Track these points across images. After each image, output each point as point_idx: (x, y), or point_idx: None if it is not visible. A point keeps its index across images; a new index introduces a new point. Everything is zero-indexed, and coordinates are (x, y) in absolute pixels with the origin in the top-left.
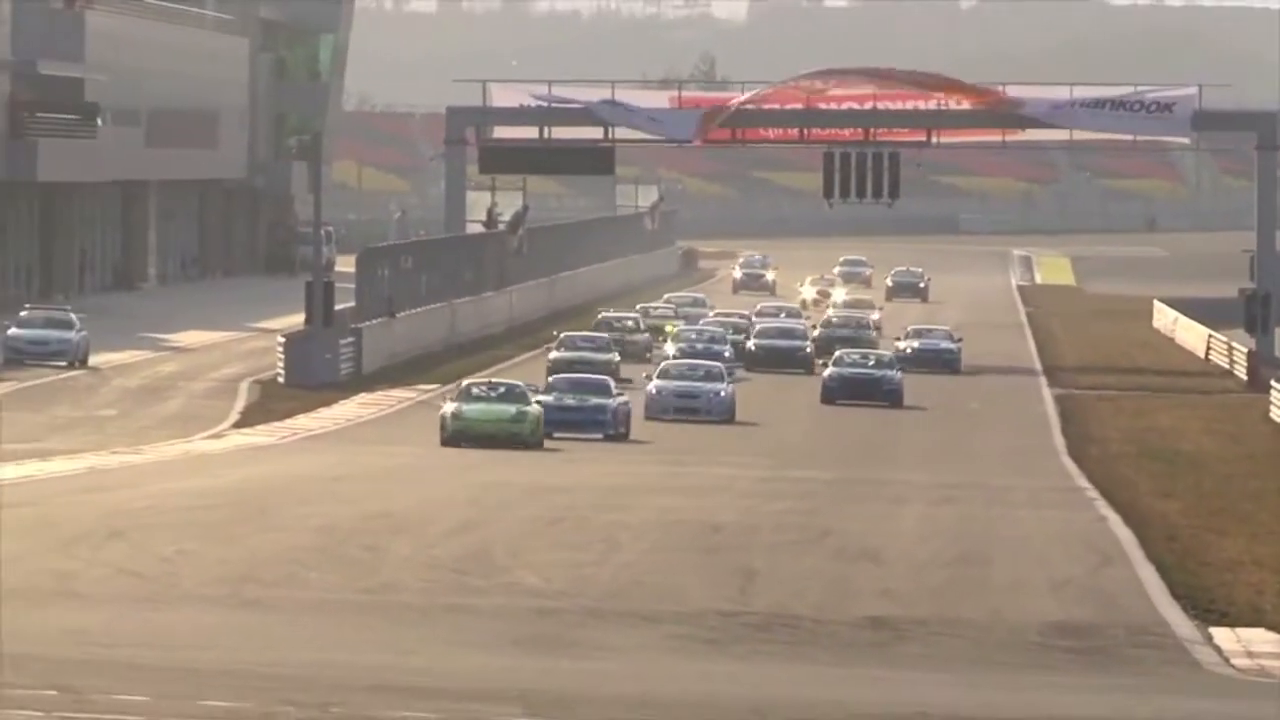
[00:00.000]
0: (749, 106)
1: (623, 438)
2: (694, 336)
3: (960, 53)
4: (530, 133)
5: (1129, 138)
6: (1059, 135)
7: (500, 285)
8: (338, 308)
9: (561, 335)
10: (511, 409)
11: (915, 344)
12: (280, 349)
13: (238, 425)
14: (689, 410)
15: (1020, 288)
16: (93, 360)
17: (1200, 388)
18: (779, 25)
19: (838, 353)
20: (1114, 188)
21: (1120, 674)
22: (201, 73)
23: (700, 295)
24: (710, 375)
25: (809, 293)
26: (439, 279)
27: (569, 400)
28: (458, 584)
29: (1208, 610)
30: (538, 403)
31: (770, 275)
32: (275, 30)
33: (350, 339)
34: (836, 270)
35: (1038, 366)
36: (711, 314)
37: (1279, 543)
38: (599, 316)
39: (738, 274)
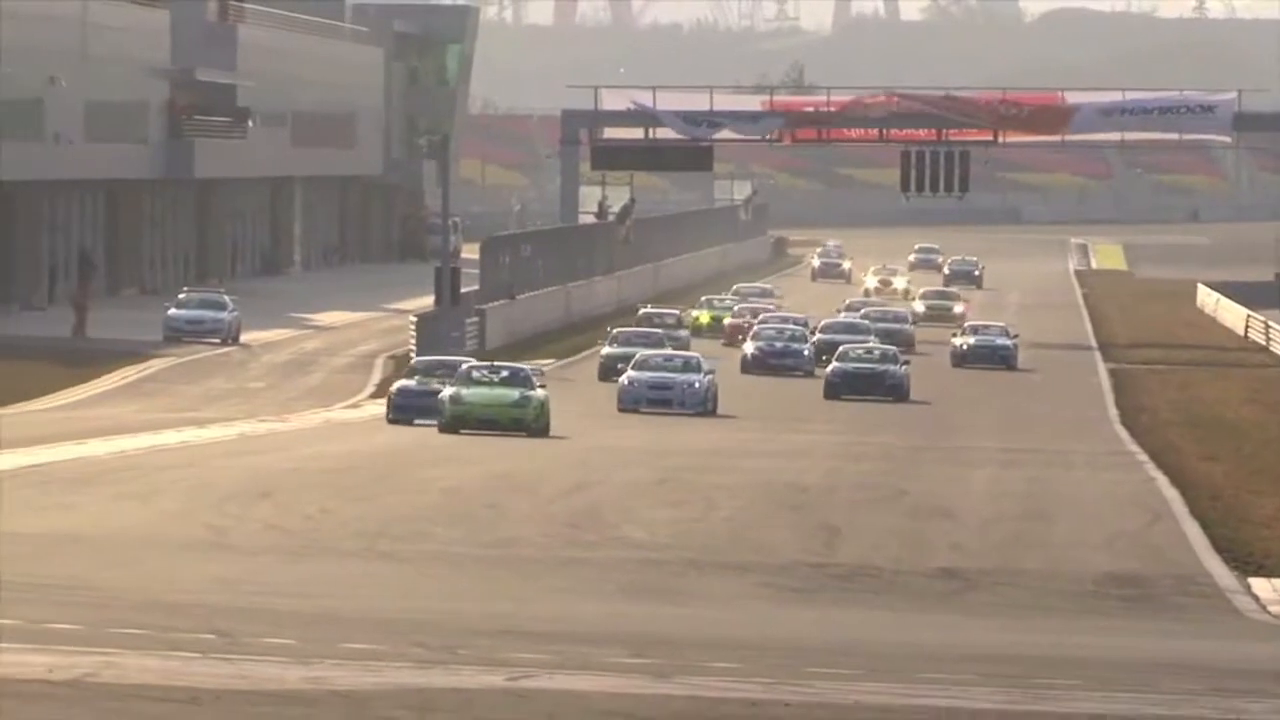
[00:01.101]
0: (836, 112)
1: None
2: (774, 334)
3: (1022, 62)
4: (636, 133)
5: (1174, 137)
6: (1112, 135)
7: (609, 270)
8: (463, 290)
9: (614, 331)
10: (514, 393)
11: (971, 340)
12: (412, 327)
13: (373, 396)
14: (662, 401)
15: (1077, 272)
16: (243, 338)
17: (1239, 362)
18: (860, 36)
19: (841, 347)
20: (1162, 182)
21: (1167, 619)
22: (341, 80)
23: (769, 286)
24: (687, 366)
25: (871, 282)
26: (554, 265)
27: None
28: (571, 538)
29: (1246, 562)
30: (542, 387)
31: (846, 264)
32: (407, 42)
33: (475, 318)
34: (911, 257)
35: (1093, 343)
36: (774, 307)
37: None
38: (640, 312)
39: (816, 263)
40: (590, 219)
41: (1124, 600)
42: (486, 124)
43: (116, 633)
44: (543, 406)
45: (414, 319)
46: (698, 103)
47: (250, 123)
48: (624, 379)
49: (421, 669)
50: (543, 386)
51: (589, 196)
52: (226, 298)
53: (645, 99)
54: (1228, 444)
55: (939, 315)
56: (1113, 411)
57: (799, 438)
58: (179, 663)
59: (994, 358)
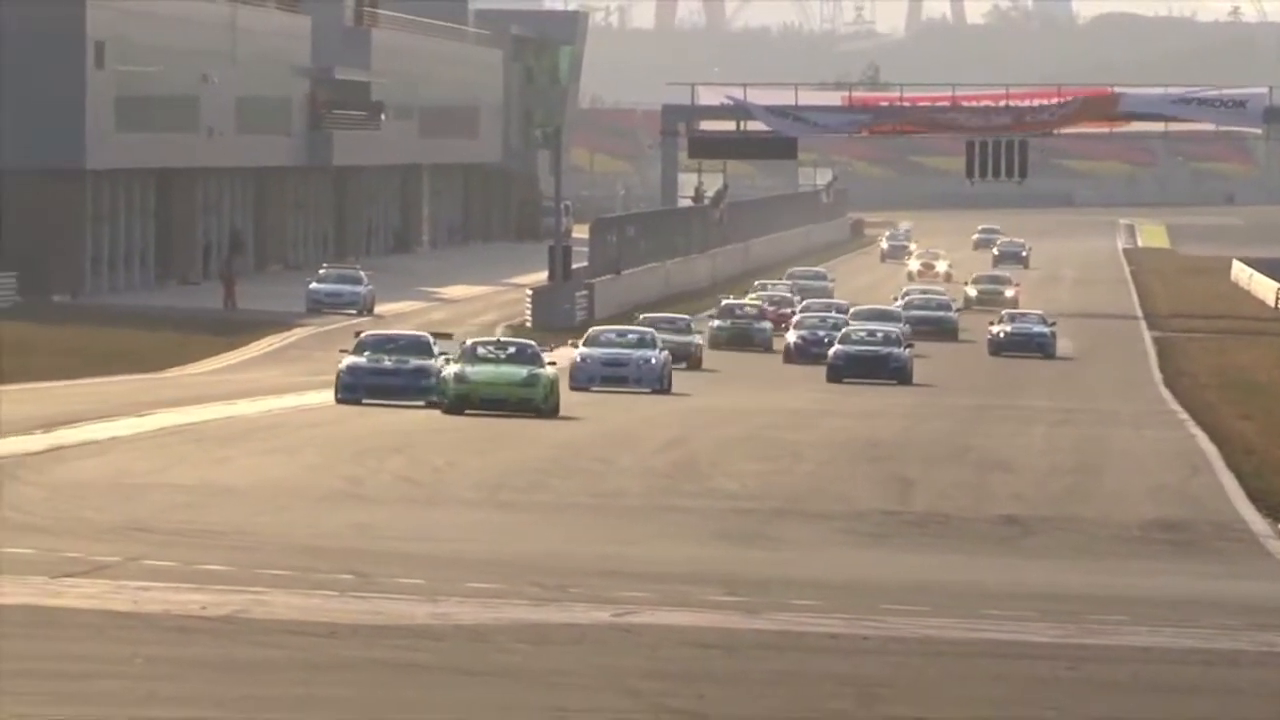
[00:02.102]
0: (908, 106)
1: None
2: (816, 322)
3: (1075, 61)
4: (729, 126)
5: (1211, 128)
6: (1155, 126)
7: (704, 249)
8: (574, 266)
9: (640, 317)
10: (522, 371)
11: (1008, 328)
12: (528, 300)
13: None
14: (617, 379)
15: (1125, 250)
16: (377, 309)
17: (1270, 330)
18: (930, 38)
19: (844, 329)
20: (1200, 169)
21: (1205, 562)
22: (465, 77)
23: (823, 270)
24: (642, 342)
25: (914, 265)
26: (655, 244)
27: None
28: (670, 489)
29: (1278, 510)
30: (552, 364)
31: (912, 246)
32: (524, 44)
33: (584, 291)
34: (975, 237)
35: (1139, 314)
36: (830, 282)
37: None
38: (640, 318)
39: (884, 245)
40: (687, 203)
41: (1167, 544)
42: (594, 117)
43: (264, 573)
44: (552, 385)
45: (530, 292)
46: (784, 98)
47: (383, 116)
48: (576, 355)
49: (537, 606)
50: (552, 363)
51: (686, 182)
52: (362, 273)
53: (737, 94)
54: (1260, 404)
55: (991, 299)
56: (1157, 375)
57: (873, 401)
58: (320, 600)
59: (1031, 345)
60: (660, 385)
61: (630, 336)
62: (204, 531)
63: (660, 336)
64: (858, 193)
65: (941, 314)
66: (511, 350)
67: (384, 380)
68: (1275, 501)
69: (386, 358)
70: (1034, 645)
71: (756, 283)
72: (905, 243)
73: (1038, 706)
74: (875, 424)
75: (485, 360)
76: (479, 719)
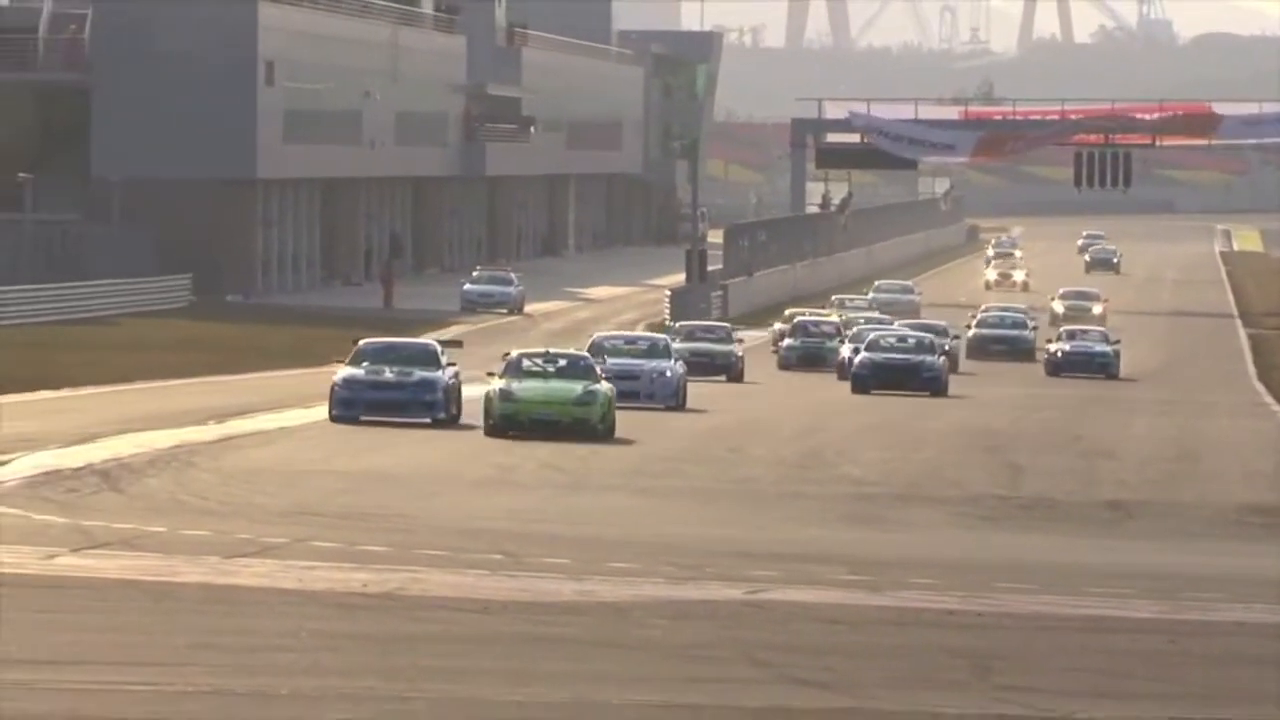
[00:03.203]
0: (1020, 120)
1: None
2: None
3: (1175, 78)
4: (853, 138)
5: None
6: (1250, 140)
7: (830, 253)
8: (710, 269)
9: (678, 325)
10: (576, 387)
11: (1066, 346)
12: (667, 299)
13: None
14: (627, 394)
15: (1221, 253)
16: (526, 308)
17: None
18: (1040, 56)
19: (871, 335)
20: None
21: None
22: (608, 93)
23: (910, 284)
24: (654, 350)
25: (991, 275)
26: (784, 247)
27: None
28: (799, 476)
29: None
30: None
31: (1018, 253)
32: (663, 62)
33: (719, 292)
34: (1080, 242)
35: (1234, 312)
36: (918, 297)
37: None
38: (675, 325)
39: (990, 252)
40: (814, 210)
41: (1261, 526)
42: (728, 130)
43: (420, 554)
44: (609, 403)
45: (668, 293)
46: (904, 113)
47: (532, 129)
48: None
49: (674, 584)
50: (605, 377)
51: (813, 191)
52: (513, 275)
53: (861, 109)
54: None
55: (1078, 316)
56: (1251, 369)
57: (989, 391)
58: (473, 579)
59: (1092, 366)
60: (675, 401)
61: (641, 344)
62: (365, 515)
63: (700, 346)
64: (973, 200)
65: (1017, 333)
66: (562, 363)
67: (385, 395)
68: None
69: (388, 369)
70: (1135, 620)
71: (834, 298)
72: (1011, 250)
73: (1140, 678)
74: (989, 414)
75: (532, 375)
76: (620, 689)
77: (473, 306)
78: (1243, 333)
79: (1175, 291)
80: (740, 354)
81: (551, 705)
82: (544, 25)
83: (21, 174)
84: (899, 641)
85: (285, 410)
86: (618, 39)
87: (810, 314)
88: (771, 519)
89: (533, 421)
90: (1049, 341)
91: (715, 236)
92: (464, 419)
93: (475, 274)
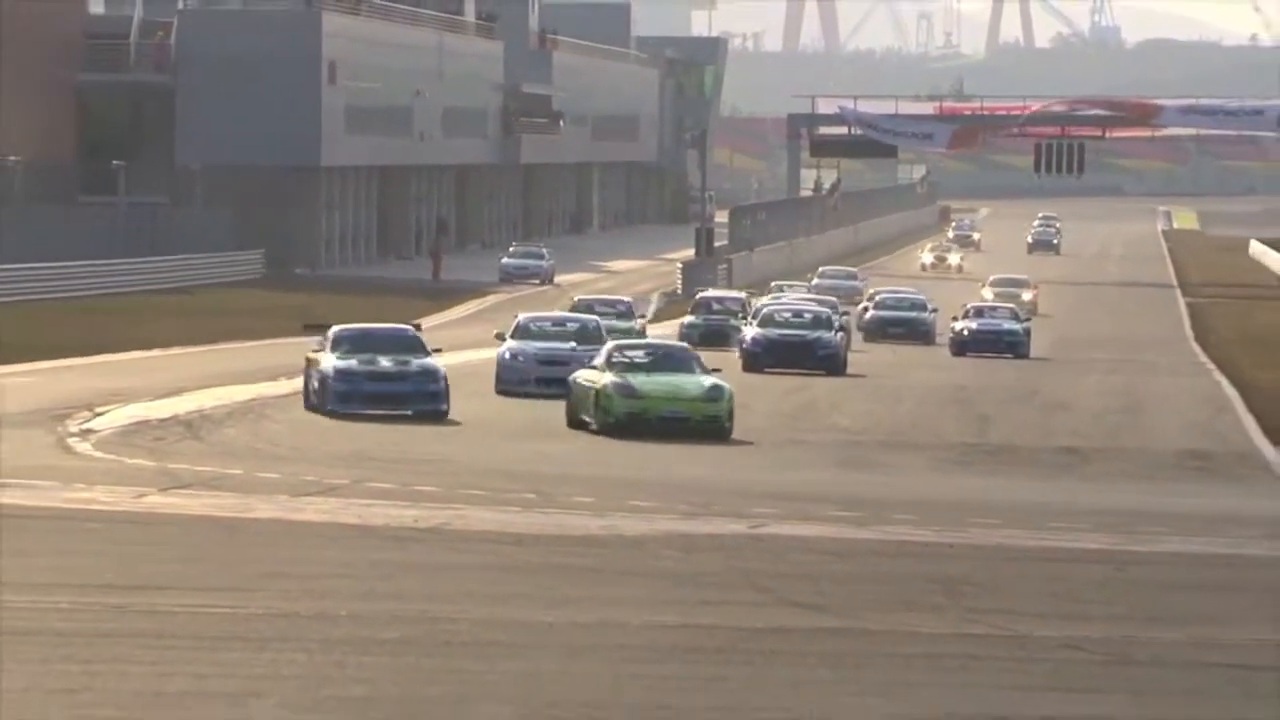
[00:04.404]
0: (987, 114)
1: None
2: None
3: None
4: (842, 130)
5: (1234, 133)
6: (1188, 130)
7: (822, 231)
8: (716, 245)
9: (576, 299)
10: (702, 381)
11: (973, 325)
12: (679, 271)
13: (650, 322)
14: (554, 381)
15: (1163, 231)
16: (556, 279)
17: None
18: (1005, 58)
19: (765, 310)
20: (1226, 166)
21: (1228, 484)
22: (627, 91)
23: (854, 270)
24: (585, 333)
25: (927, 258)
26: (781, 226)
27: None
28: (793, 426)
29: None
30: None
31: (976, 235)
32: (676, 64)
33: (724, 265)
34: (1035, 223)
35: (1174, 283)
36: (863, 285)
37: None
38: (575, 299)
39: (950, 234)
40: (808, 193)
41: (1198, 470)
42: (733, 124)
43: (464, 493)
44: (733, 399)
45: (680, 265)
46: (887, 108)
47: (561, 123)
48: (504, 351)
49: (686, 519)
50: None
51: (807, 176)
52: (544, 250)
53: (848, 104)
54: (1274, 357)
55: (1008, 302)
56: (1189, 333)
57: (949, 357)
58: (509, 515)
59: (1000, 345)
60: None
61: (570, 326)
62: (416, 460)
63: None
64: (946, 185)
65: (915, 315)
66: (661, 353)
67: (387, 387)
68: None
69: (382, 358)
70: (1089, 551)
71: (773, 283)
72: (970, 232)
73: (1092, 602)
74: (957, 375)
75: (635, 368)
76: (639, 611)
77: (509, 278)
78: (1181, 301)
79: (1122, 265)
80: (642, 331)
81: (578, 625)
82: (571, 32)
83: (116, 162)
84: (882, 570)
85: None
86: (636, 44)
87: (715, 291)
88: (772, 463)
89: (660, 420)
90: (954, 319)
91: (721, 217)
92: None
93: (511, 249)
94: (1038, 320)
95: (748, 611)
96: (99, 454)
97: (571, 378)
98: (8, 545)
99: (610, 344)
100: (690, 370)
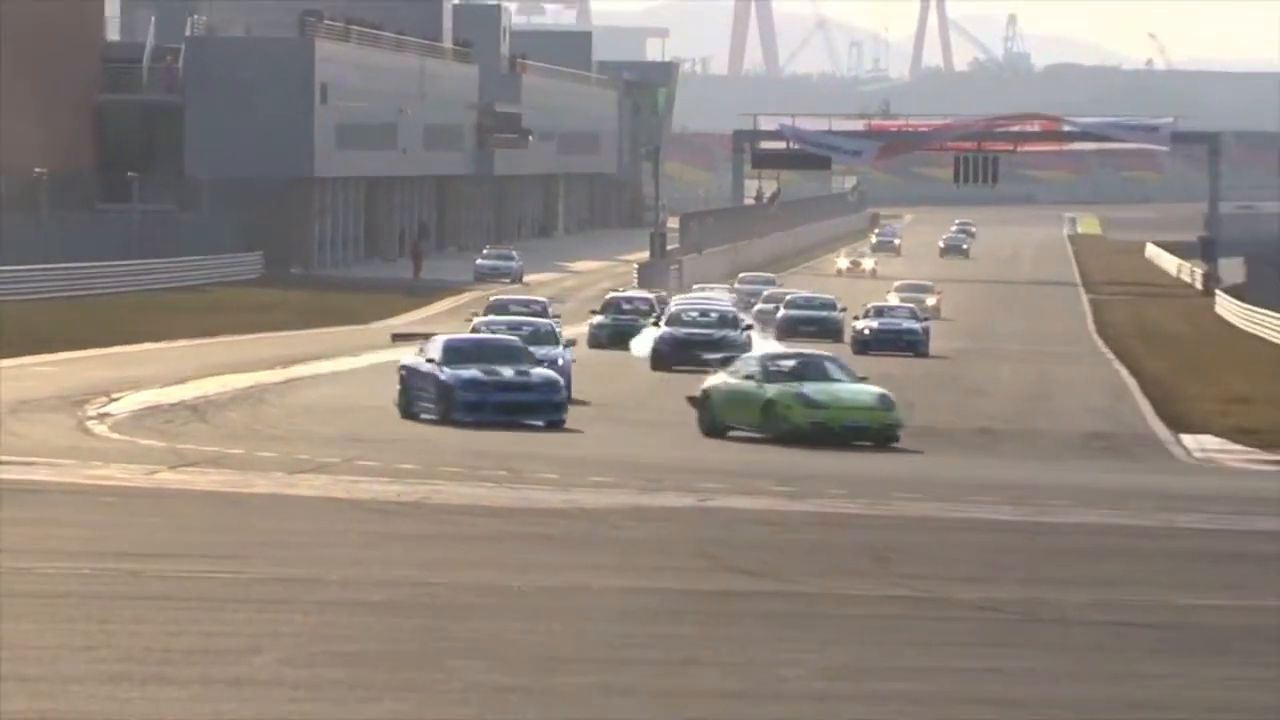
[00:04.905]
0: (912, 130)
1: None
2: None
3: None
4: (781, 145)
5: (1132, 146)
6: (1091, 145)
7: (763, 235)
8: (668, 247)
9: (492, 299)
10: (873, 391)
11: (874, 324)
12: (635, 271)
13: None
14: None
15: (1069, 236)
16: (525, 279)
17: (1175, 294)
18: (927, 81)
19: (674, 309)
20: (1126, 177)
21: (1127, 462)
22: (590, 111)
23: (771, 276)
24: (539, 336)
25: (842, 263)
26: (727, 231)
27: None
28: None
29: (1179, 425)
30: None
31: (897, 241)
32: (632, 86)
33: (676, 265)
34: (953, 227)
35: (1078, 281)
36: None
37: (1223, 386)
38: (492, 299)
39: (873, 239)
40: (750, 201)
41: (1100, 449)
42: (683, 140)
43: (442, 470)
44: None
45: (636, 265)
46: (821, 125)
47: (530, 138)
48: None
49: (641, 493)
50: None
51: (750, 186)
52: (514, 252)
53: (787, 122)
54: (1167, 348)
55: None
56: (1091, 326)
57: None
58: (483, 490)
59: (900, 343)
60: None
61: (523, 329)
62: (399, 440)
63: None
64: (875, 194)
65: (826, 314)
66: (807, 360)
67: (515, 397)
68: (1178, 419)
69: (502, 368)
70: (1003, 522)
71: (695, 286)
72: (892, 238)
73: (1006, 567)
74: (888, 365)
75: (793, 376)
76: (599, 576)
77: (483, 277)
78: (1085, 298)
79: (1032, 265)
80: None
81: (545, 589)
82: (539, 57)
83: (130, 173)
84: (816, 539)
85: (338, 358)
86: (596, 68)
87: (624, 291)
88: (721, 444)
89: (843, 429)
90: (855, 319)
91: (673, 223)
92: None
93: (485, 252)
94: (942, 323)
95: (696, 576)
96: (115, 435)
97: (710, 384)
98: (35, 517)
99: (759, 353)
100: (849, 378)
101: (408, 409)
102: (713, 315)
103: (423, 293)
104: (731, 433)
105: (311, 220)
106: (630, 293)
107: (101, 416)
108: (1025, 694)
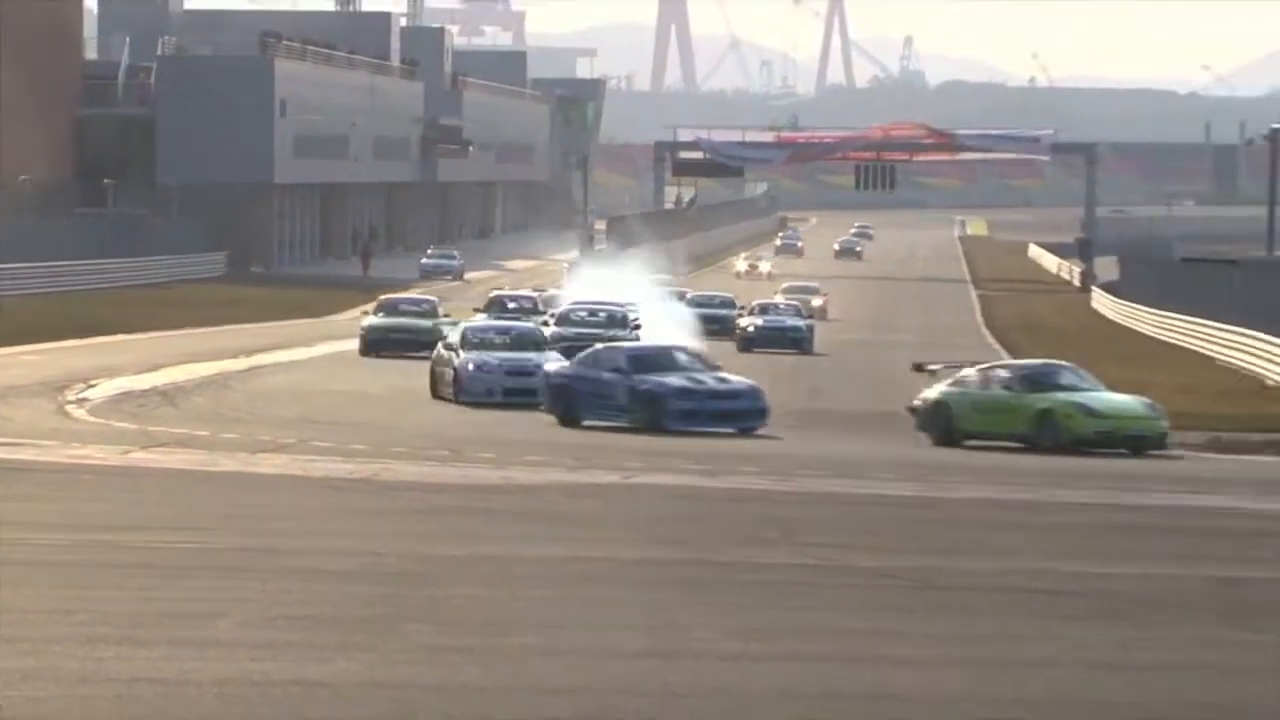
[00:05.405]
0: (817, 142)
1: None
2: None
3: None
4: (698, 155)
5: (1015, 156)
6: (979, 155)
7: (681, 237)
8: (596, 248)
9: (381, 297)
10: (1140, 400)
11: (759, 321)
12: (565, 269)
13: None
14: (525, 391)
15: (959, 237)
16: (467, 276)
17: (1055, 291)
18: (832, 96)
19: (564, 309)
20: (1011, 183)
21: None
22: (525, 124)
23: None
24: (527, 341)
25: (741, 265)
26: (649, 233)
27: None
28: None
29: None
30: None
31: (801, 243)
32: (563, 101)
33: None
34: (851, 231)
35: (968, 278)
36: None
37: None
38: (381, 298)
39: (778, 243)
40: (670, 206)
41: None
42: (610, 150)
43: (390, 450)
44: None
45: (566, 264)
46: (735, 137)
47: (470, 148)
48: (465, 362)
49: (571, 471)
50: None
51: (670, 193)
52: (456, 252)
53: (704, 134)
54: (1048, 339)
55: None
56: (980, 320)
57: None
58: (427, 468)
59: (784, 340)
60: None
61: (512, 334)
62: (352, 423)
63: (401, 321)
64: (784, 199)
65: (725, 312)
66: (1056, 369)
67: (725, 405)
68: None
69: (705, 376)
70: (902, 497)
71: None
72: (796, 241)
73: (905, 538)
74: (791, 359)
75: (1049, 386)
76: (534, 546)
77: (428, 275)
78: (974, 294)
79: (926, 264)
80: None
81: (484, 557)
82: (479, 75)
83: (106, 180)
84: (730, 512)
85: (295, 348)
86: (531, 85)
87: (510, 289)
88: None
89: (1127, 438)
90: (739, 316)
91: (600, 225)
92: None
93: (429, 252)
94: (841, 316)
95: (621, 546)
96: (92, 419)
97: (941, 394)
98: (19, 493)
99: (1000, 363)
100: (1097, 385)
101: (567, 410)
102: (601, 315)
103: (372, 288)
104: (966, 441)
105: (271, 223)
106: (513, 290)
107: (80, 401)
108: (923, 654)
